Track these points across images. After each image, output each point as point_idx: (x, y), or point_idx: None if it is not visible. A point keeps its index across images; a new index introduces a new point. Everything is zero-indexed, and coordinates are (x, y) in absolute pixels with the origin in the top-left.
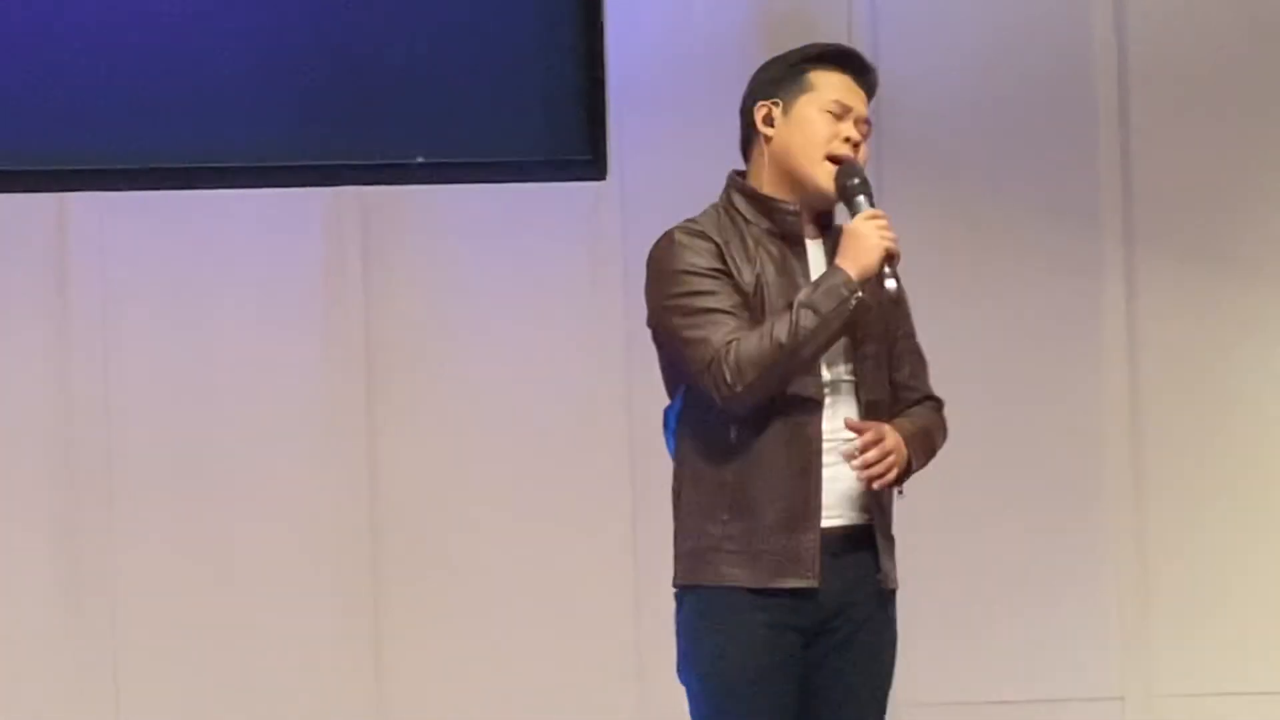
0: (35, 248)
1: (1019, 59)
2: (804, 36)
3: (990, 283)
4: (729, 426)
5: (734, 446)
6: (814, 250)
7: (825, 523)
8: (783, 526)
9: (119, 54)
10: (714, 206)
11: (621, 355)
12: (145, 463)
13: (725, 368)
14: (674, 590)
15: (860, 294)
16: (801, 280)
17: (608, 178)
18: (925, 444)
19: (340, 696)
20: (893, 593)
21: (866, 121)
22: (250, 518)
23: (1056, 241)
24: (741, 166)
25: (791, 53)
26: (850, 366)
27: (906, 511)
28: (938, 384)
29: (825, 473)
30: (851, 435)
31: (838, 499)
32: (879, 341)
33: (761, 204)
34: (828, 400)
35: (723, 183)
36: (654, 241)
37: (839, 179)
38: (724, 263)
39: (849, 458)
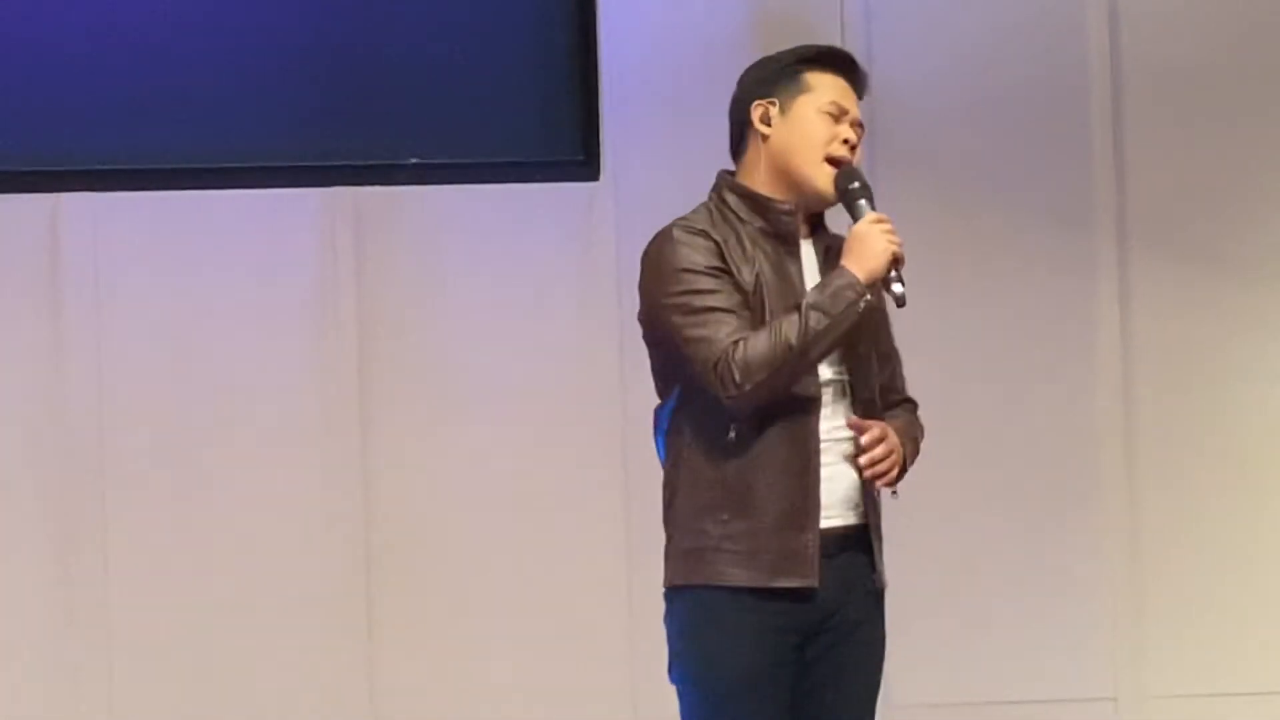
0: (28, 248)
1: (1013, 60)
2: (797, 38)
3: (984, 283)
4: (728, 426)
5: (733, 446)
6: (806, 250)
7: (822, 523)
8: (783, 526)
9: (112, 56)
10: (705, 205)
11: (615, 356)
12: (138, 463)
13: (733, 366)
14: (665, 590)
15: (869, 297)
16: (796, 280)
17: (601, 178)
18: (914, 445)
19: (334, 696)
20: (882, 593)
21: (862, 125)
22: (243, 517)
23: (1050, 242)
24: (730, 167)
25: (785, 53)
26: (844, 366)
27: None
28: (933, 384)
29: (822, 472)
30: (846, 435)
31: (834, 499)
32: (869, 342)
33: (757, 203)
34: (824, 400)
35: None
36: (650, 239)
37: (839, 182)
38: (724, 261)
39: (854, 457)
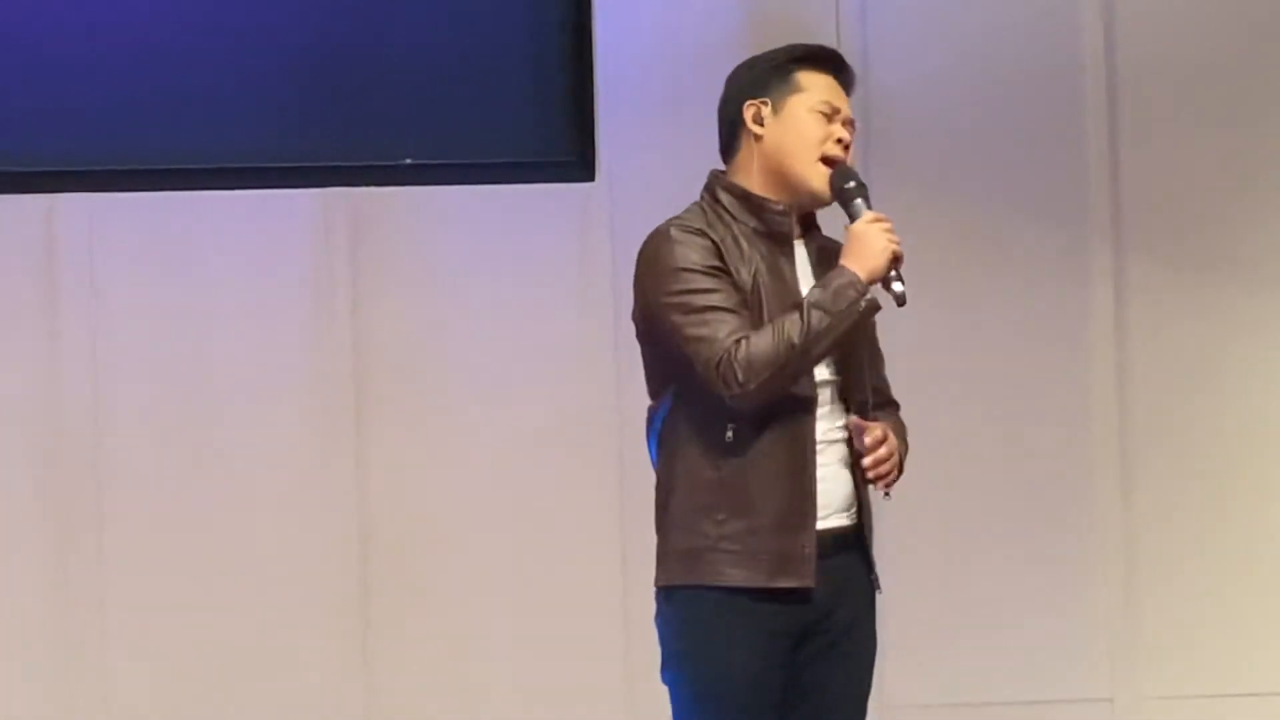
0: (24, 248)
1: (1008, 60)
2: (793, 39)
3: (979, 284)
4: (726, 426)
5: (730, 446)
6: (799, 251)
7: (818, 524)
8: (780, 527)
9: (108, 56)
10: (697, 205)
11: (610, 356)
12: (134, 462)
13: (736, 365)
14: (658, 590)
15: (871, 296)
16: (790, 281)
17: (596, 179)
18: (905, 446)
19: (329, 697)
20: (874, 594)
21: (853, 123)
22: (239, 516)
23: (1045, 243)
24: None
25: (775, 52)
26: (837, 368)
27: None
28: (928, 386)
29: (818, 473)
30: (841, 436)
31: (829, 500)
32: (861, 344)
33: (751, 203)
34: (820, 401)
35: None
36: (646, 237)
37: (835, 182)
38: (722, 260)
39: (849, 458)
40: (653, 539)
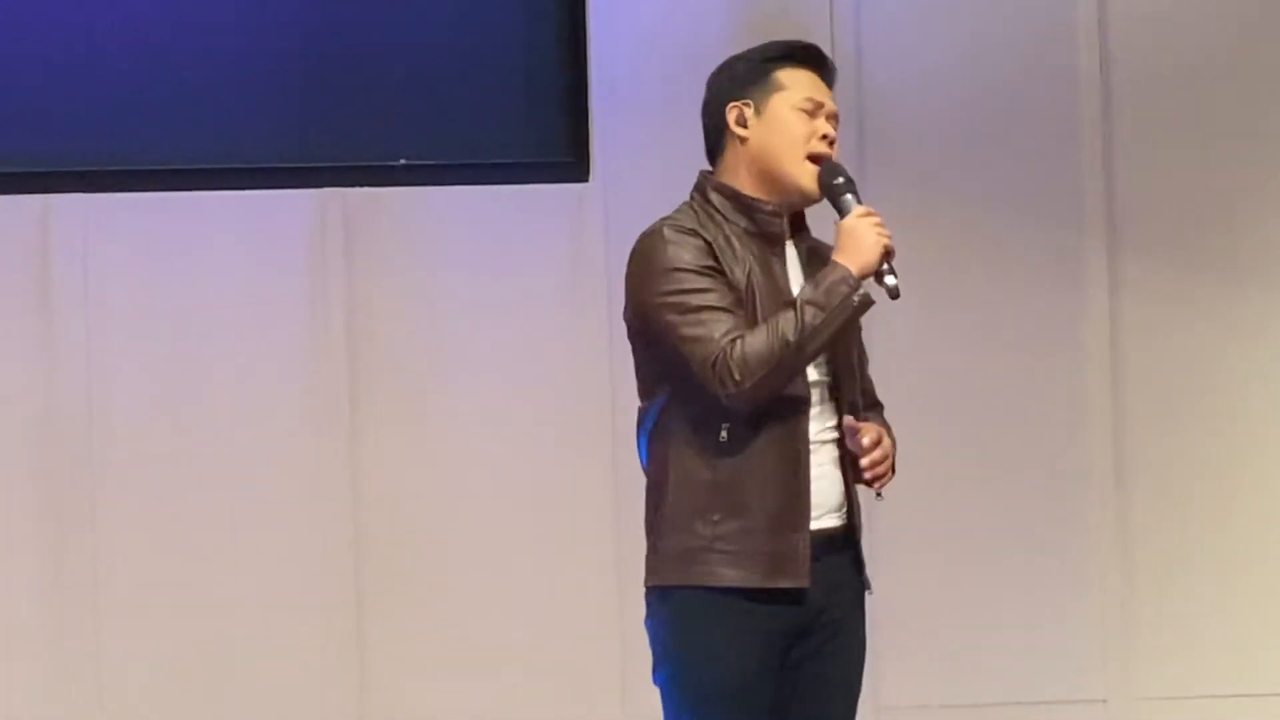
0: (19, 249)
1: (1002, 62)
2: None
3: (974, 285)
4: (719, 426)
5: (724, 446)
6: (790, 252)
7: (811, 524)
8: (775, 527)
9: (103, 56)
10: (688, 205)
11: (605, 356)
12: (128, 463)
13: (732, 364)
14: (649, 591)
15: (864, 291)
16: (782, 281)
17: (590, 180)
18: (894, 446)
19: (323, 697)
20: (864, 594)
21: (837, 116)
22: (233, 516)
23: (1040, 244)
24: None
25: (753, 51)
26: (828, 368)
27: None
28: (922, 387)
29: (811, 473)
30: (832, 436)
31: (821, 500)
32: (851, 344)
33: (742, 204)
34: (812, 401)
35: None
36: (638, 238)
37: (823, 178)
38: (715, 260)
39: (841, 458)
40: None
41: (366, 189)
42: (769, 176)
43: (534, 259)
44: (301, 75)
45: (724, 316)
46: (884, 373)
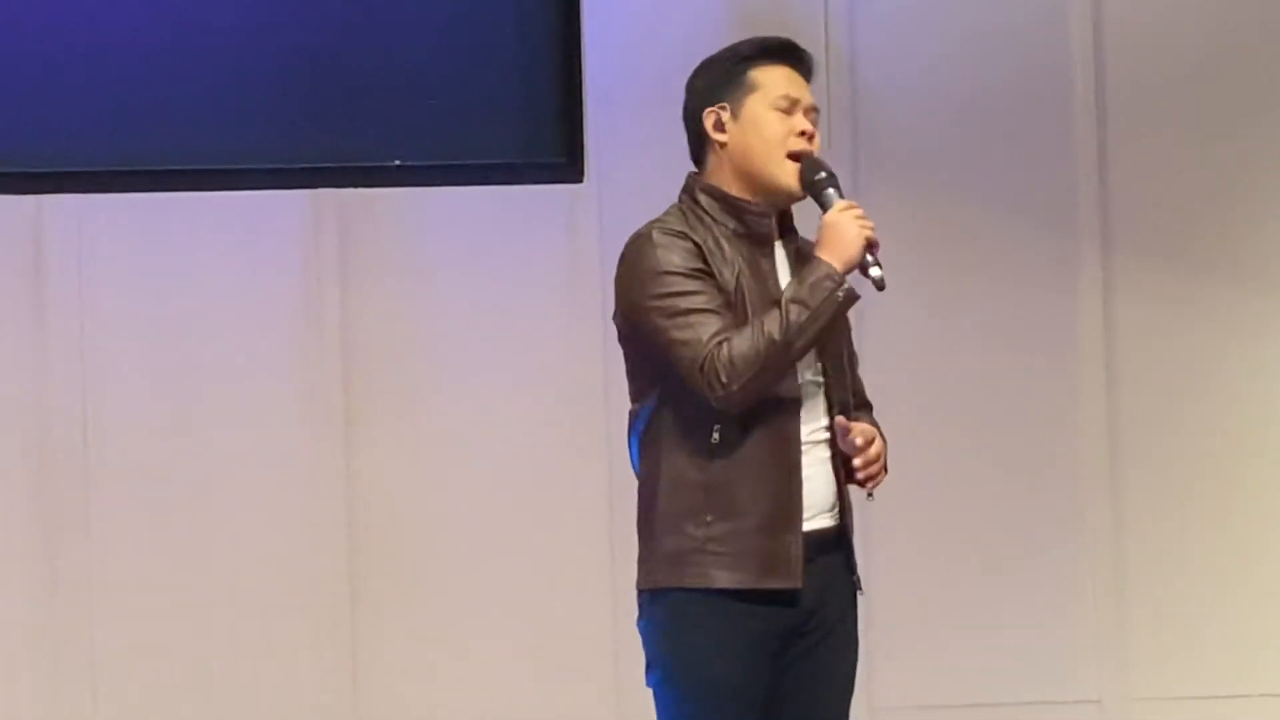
0: (12, 250)
1: (996, 62)
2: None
3: (968, 286)
4: (711, 428)
5: (715, 448)
6: (779, 252)
7: (804, 525)
8: (767, 528)
9: (96, 57)
10: (677, 207)
11: (599, 357)
12: (122, 464)
13: (719, 366)
14: (641, 593)
15: (848, 286)
16: (771, 282)
17: (585, 180)
18: (886, 447)
19: (318, 698)
20: (856, 594)
21: (815, 109)
22: (228, 517)
23: (1034, 245)
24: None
25: (727, 51)
26: (818, 368)
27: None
28: (917, 387)
29: (803, 474)
30: (824, 437)
31: (813, 501)
32: (841, 343)
33: (730, 205)
34: (803, 402)
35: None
36: (627, 241)
37: (804, 175)
38: (704, 262)
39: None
40: None
41: (361, 190)
42: (752, 178)
43: (529, 260)
44: (296, 76)
45: (712, 319)
46: (878, 374)
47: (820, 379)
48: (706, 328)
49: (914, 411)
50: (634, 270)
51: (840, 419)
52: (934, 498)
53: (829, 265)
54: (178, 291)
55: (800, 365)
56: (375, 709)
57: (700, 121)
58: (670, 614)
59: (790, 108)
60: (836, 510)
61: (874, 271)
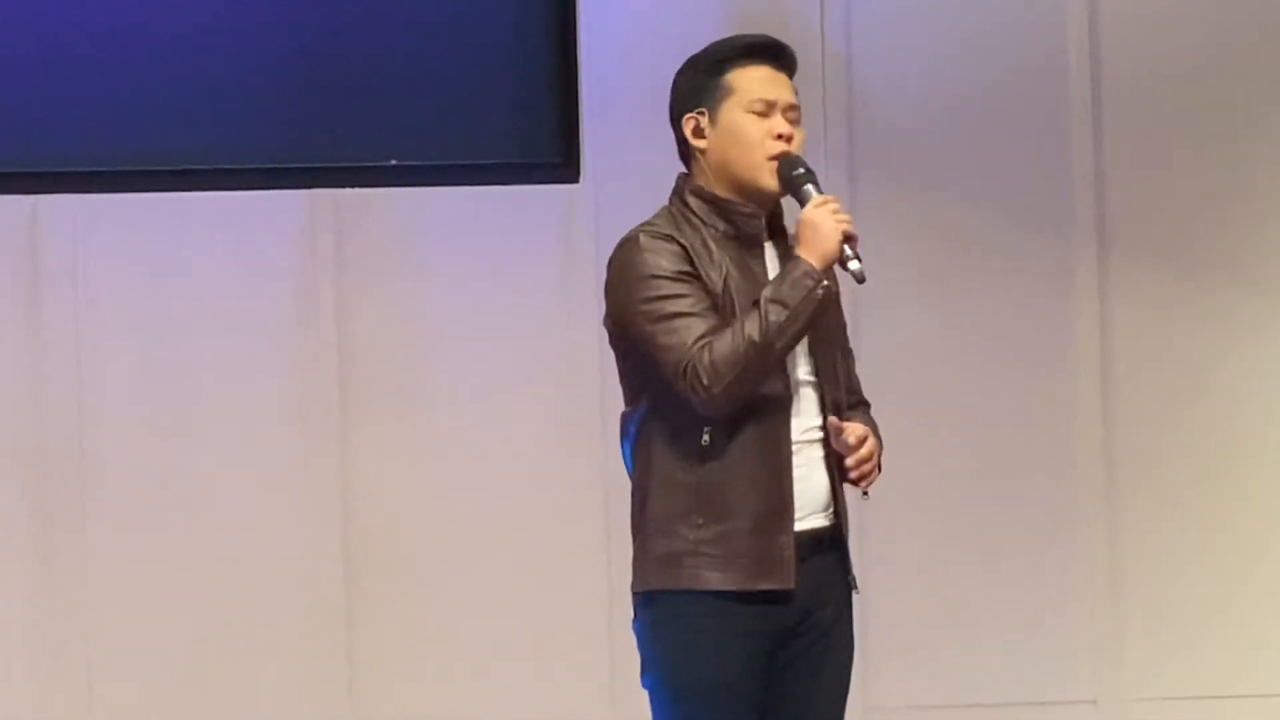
0: (8, 250)
1: (993, 64)
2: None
3: (964, 287)
4: (701, 430)
5: (706, 450)
6: (769, 253)
7: (796, 525)
8: (759, 529)
9: (92, 58)
10: (666, 209)
11: (595, 357)
12: (118, 464)
13: (700, 370)
14: (636, 595)
15: (826, 283)
16: (761, 282)
17: (581, 180)
18: (880, 445)
19: (313, 699)
20: (851, 594)
21: (794, 107)
22: (224, 517)
23: (1030, 245)
24: None
25: (706, 53)
26: (811, 367)
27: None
28: (913, 388)
29: (795, 474)
30: (817, 436)
31: (806, 501)
32: (834, 342)
33: (720, 207)
34: (795, 401)
35: None
36: (616, 245)
37: (781, 172)
38: (692, 265)
39: (826, 458)
40: None
41: (356, 190)
42: (734, 182)
43: (524, 260)
44: (291, 76)
45: (697, 323)
46: (874, 375)
47: (813, 378)
48: (691, 331)
49: (910, 412)
50: (621, 275)
51: (832, 419)
52: (930, 498)
53: (807, 263)
54: (174, 291)
55: (791, 365)
56: (372, 710)
57: (681, 129)
58: (664, 615)
59: (766, 110)
60: (831, 510)
61: (853, 265)
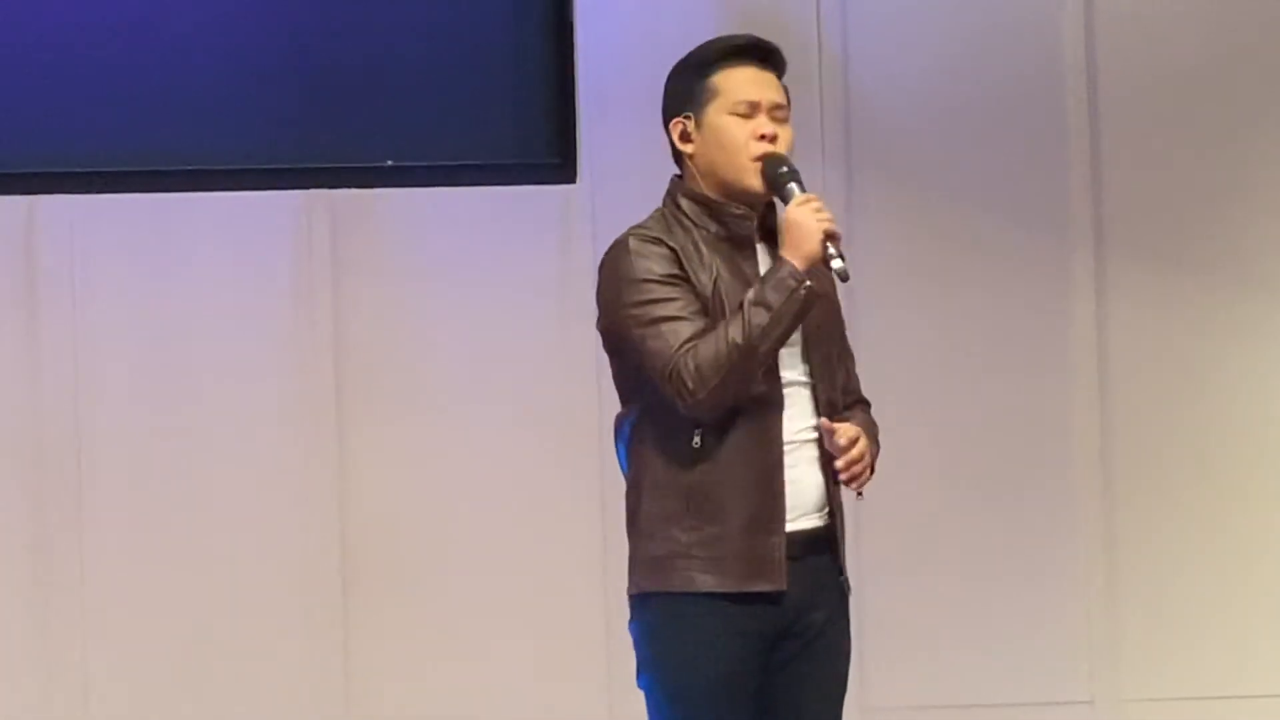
0: (5, 251)
1: (989, 64)
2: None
3: (961, 287)
4: (692, 432)
5: (697, 452)
6: (762, 254)
7: (789, 526)
8: (750, 530)
9: (89, 58)
10: (660, 211)
11: (592, 359)
12: (115, 464)
13: (685, 374)
14: (631, 596)
15: (810, 283)
16: (752, 284)
17: (578, 181)
18: (877, 445)
19: (309, 699)
20: (847, 594)
21: (780, 106)
22: (220, 518)
23: (1027, 246)
24: None
25: (692, 55)
26: (805, 368)
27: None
28: (910, 388)
29: (787, 475)
30: (811, 437)
31: (799, 501)
32: (830, 341)
33: (712, 209)
34: (787, 402)
35: None
36: (607, 248)
37: (765, 172)
38: (681, 268)
39: (820, 459)
40: None
41: (353, 190)
42: (721, 184)
43: (521, 261)
44: (288, 77)
45: (684, 327)
46: (871, 376)
47: (807, 379)
48: (678, 335)
49: (907, 413)
50: (611, 279)
51: (823, 420)
52: (927, 498)
53: (790, 264)
54: (170, 292)
55: (784, 366)
56: (368, 710)
57: (669, 133)
58: (659, 617)
59: (751, 111)
60: (826, 510)
61: (836, 264)
